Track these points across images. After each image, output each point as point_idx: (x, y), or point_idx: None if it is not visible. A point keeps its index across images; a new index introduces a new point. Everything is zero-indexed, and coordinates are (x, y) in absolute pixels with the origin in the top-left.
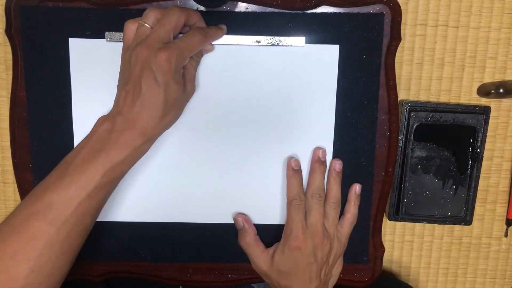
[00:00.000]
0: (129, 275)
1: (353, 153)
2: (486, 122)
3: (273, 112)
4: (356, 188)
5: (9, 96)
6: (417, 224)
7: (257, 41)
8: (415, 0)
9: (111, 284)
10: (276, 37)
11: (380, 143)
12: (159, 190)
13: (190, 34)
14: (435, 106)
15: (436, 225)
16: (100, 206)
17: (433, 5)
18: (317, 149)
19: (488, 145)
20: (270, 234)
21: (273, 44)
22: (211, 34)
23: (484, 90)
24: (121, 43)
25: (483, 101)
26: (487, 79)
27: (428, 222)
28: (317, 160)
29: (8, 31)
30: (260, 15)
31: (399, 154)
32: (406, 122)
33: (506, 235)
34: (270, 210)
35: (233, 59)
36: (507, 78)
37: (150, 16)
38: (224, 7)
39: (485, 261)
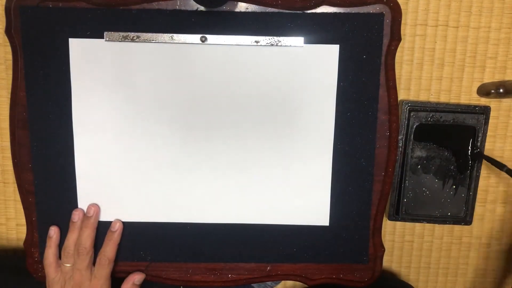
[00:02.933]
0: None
1: (353, 153)
2: (486, 122)
3: (273, 112)
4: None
5: (9, 96)
6: (417, 224)
7: (256, 41)
8: (415, 0)
9: (111, 284)
10: (275, 37)
11: (380, 143)
12: (159, 190)
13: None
14: (435, 106)
15: (436, 225)
16: None
17: (433, 5)
18: None
19: (488, 145)
20: (270, 234)
21: (272, 44)
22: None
23: (484, 90)
24: (121, 43)
25: (483, 101)
26: (487, 79)
27: (428, 222)
28: None
29: (8, 31)
30: (260, 15)
31: (399, 154)
32: (406, 122)
33: None
34: (270, 210)
35: (232, 59)
36: (507, 78)
37: (69, 256)
38: (224, 7)
39: (485, 261)
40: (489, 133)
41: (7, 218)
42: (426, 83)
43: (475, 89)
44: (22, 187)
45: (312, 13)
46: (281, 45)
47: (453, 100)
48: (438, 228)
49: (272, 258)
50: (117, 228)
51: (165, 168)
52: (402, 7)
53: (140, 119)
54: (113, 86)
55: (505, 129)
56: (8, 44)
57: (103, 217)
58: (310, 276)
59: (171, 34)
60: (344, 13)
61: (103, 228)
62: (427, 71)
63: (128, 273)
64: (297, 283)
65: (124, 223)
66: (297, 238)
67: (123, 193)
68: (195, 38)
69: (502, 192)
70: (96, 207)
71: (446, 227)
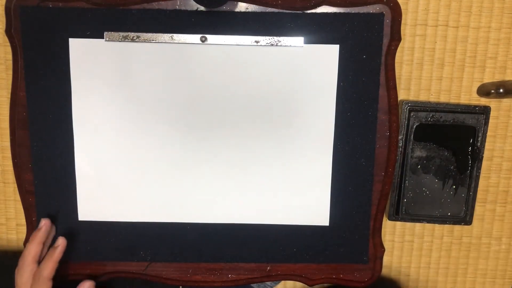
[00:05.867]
0: (129, 275)
1: (353, 153)
2: (486, 122)
3: (273, 112)
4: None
5: (9, 96)
6: (417, 224)
7: (256, 41)
8: (415, 0)
9: (111, 284)
10: (275, 37)
11: (380, 143)
12: (159, 190)
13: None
14: (435, 106)
15: (436, 225)
16: None
17: (433, 5)
18: None
19: (488, 145)
20: (270, 234)
21: (272, 44)
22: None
23: (484, 90)
24: (121, 43)
25: (483, 101)
26: (487, 79)
27: (428, 222)
28: None
29: (8, 31)
30: (260, 15)
31: (399, 154)
32: (406, 122)
33: None
34: (270, 210)
35: (232, 59)
36: (507, 78)
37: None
38: (224, 7)
39: (485, 261)
40: (489, 133)
41: (7, 218)
42: (426, 83)
43: (475, 89)
44: (22, 187)
45: (312, 13)
46: (281, 45)
47: (453, 100)
48: (438, 228)
49: (272, 258)
50: (59, 244)
51: (165, 168)
52: (402, 7)
53: (140, 119)
54: (113, 86)
55: (505, 129)
56: (8, 44)
57: (103, 217)
58: (310, 276)
59: (171, 34)
60: (344, 13)
61: (102, 229)
62: (427, 71)
63: (128, 273)
64: (297, 283)
65: (124, 223)
66: (297, 238)
67: (123, 193)
68: (195, 38)
69: (502, 192)
70: (48, 222)
71: (446, 227)
